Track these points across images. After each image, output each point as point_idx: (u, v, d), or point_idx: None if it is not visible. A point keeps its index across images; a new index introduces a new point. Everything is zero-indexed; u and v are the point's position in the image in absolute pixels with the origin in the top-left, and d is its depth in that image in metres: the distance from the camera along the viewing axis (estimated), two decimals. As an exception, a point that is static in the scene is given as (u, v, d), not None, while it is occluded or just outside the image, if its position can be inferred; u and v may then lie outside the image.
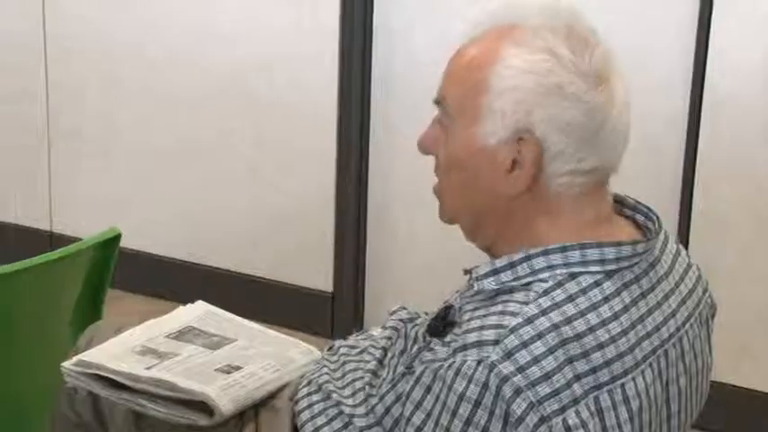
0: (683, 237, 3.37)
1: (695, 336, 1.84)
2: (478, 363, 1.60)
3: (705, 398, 1.91)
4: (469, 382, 1.60)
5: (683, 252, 1.90)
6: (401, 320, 2.00)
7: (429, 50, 3.54)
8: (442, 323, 1.79)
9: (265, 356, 2.16)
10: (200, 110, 3.98)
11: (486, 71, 1.69)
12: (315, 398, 1.97)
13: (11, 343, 2.43)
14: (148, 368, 2.06)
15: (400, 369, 1.85)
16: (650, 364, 1.73)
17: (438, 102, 1.78)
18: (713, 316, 1.94)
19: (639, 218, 1.83)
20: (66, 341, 2.42)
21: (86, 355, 2.10)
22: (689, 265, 1.89)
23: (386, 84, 3.72)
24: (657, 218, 1.81)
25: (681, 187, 3.38)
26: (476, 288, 1.73)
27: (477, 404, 1.60)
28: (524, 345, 1.60)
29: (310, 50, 3.78)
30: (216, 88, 3.94)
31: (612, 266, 1.70)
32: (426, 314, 1.95)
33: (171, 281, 3.89)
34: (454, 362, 1.62)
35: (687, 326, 1.82)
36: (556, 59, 1.66)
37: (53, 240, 3.92)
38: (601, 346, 1.65)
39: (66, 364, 2.08)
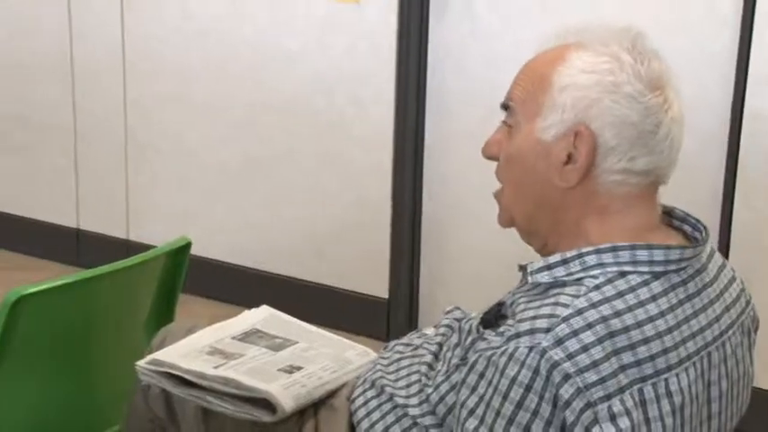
0: (724, 249, 3.33)
1: (737, 343, 1.83)
2: (530, 349, 1.60)
3: (746, 406, 1.89)
4: (521, 366, 1.60)
5: (728, 265, 1.89)
6: (455, 319, 2.00)
7: (480, 70, 3.54)
8: (495, 316, 1.81)
9: (324, 358, 2.17)
10: (265, 126, 3.99)
11: (551, 70, 1.72)
12: (370, 394, 1.98)
13: (91, 342, 2.47)
14: (216, 367, 2.07)
15: (455, 360, 1.85)
16: (693, 364, 1.72)
17: (505, 105, 1.79)
18: (756, 329, 1.92)
19: (687, 228, 1.83)
20: (140, 341, 2.44)
21: (159, 355, 2.12)
22: (733, 278, 1.88)
23: (439, 102, 3.71)
24: (705, 229, 1.81)
25: (721, 201, 3.35)
26: (530, 281, 1.74)
27: (528, 388, 1.60)
28: (574, 333, 1.60)
29: (368, 70, 3.78)
30: (280, 106, 3.95)
31: (660, 268, 1.70)
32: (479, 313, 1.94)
33: (238, 287, 3.90)
34: (507, 348, 1.63)
35: (730, 332, 1.81)
36: (617, 63, 1.68)
37: (129, 248, 3.93)
38: (646, 341, 1.64)
39: (141, 362, 2.10)
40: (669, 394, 1.67)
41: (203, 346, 2.16)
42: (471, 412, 1.67)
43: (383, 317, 3.85)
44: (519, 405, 1.61)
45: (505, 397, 1.62)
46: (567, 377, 1.59)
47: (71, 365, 2.43)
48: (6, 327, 2.23)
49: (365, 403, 1.97)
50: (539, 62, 1.77)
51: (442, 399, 1.83)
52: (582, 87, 1.68)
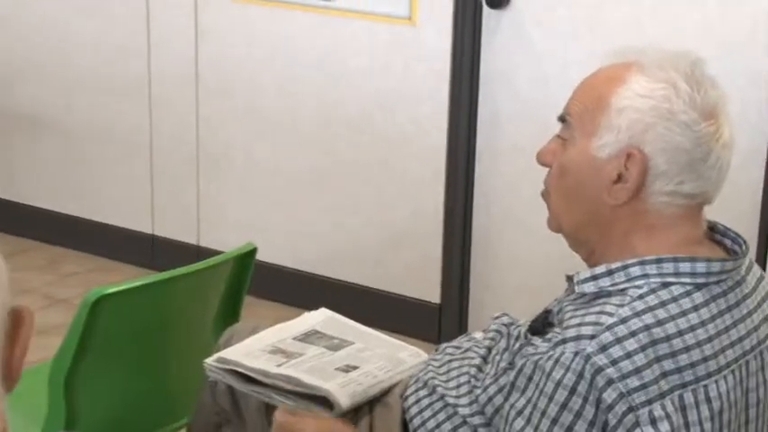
0: (762, 262, 3.30)
1: None
2: (576, 354, 1.62)
3: None
4: (567, 371, 1.62)
5: (766, 278, 1.88)
6: (504, 324, 2.00)
7: (529, 89, 3.54)
8: (542, 324, 1.81)
9: (379, 358, 2.18)
10: (329, 141, 4.01)
11: (610, 92, 1.72)
12: (422, 393, 1.98)
13: (164, 340, 2.50)
14: (278, 366, 2.09)
15: (503, 364, 1.86)
16: (732, 371, 1.72)
17: (562, 118, 1.80)
18: None
19: (727, 242, 1.82)
20: (209, 340, 2.47)
21: (226, 353, 2.13)
22: None
23: (490, 118, 3.71)
24: (744, 242, 1.81)
25: (759, 215, 3.33)
26: (576, 291, 1.75)
27: (573, 391, 1.62)
28: (618, 341, 1.62)
29: (424, 89, 3.79)
30: (343, 122, 3.97)
31: (702, 280, 1.70)
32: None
33: (299, 290, 3.91)
34: (554, 354, 1.65)
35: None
36: (674, 90, 1.68)
37: (200, 253, 3.95)
38: (687, 349, 1.65)
39: (209, 360, 2.12)
40: (708, 400, 1.67)
41: (266, 346, 2.17)
42: (519, 413, 1.69)
43: (435, 321, 3.85)
44: (563, 406, 1.63)
45: (551, 399, 1.64)
46: (610, 382, 1.61)
47: (146, 361, 2.46)
48: (87, 325, 2.27)
49: (417, 401, 1.98)
50: (598, 80, 1.77)
51: (490, 399, 1.84)
52: (638, 111, 1.69)
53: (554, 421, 1.64)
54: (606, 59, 1.80)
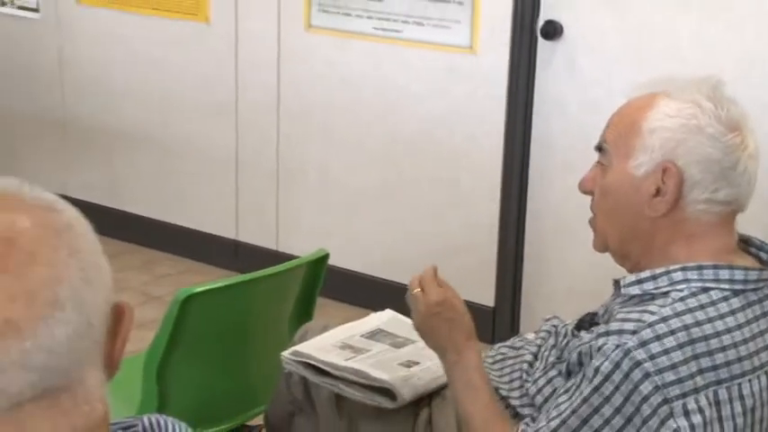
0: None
1: None
2: (617, 346, 1.61)
3: None
4: (606, 359, 1.62)
5: None
6: (553, 325, 2.00)
7: (578, 113, 3.53)
8: (589, 322, 1.83)
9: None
10: (395, 157, 4.01)
11: (641, 116, 1.72)
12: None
13: (245, 335, 2.51)
14: (347, 359, 2.10)
15: (552, 359, 1.87)
16: (765, 372, 1.71)
17: (599, 147, 1.79)
18: None
19: (763, 255, 1.81)
20: (285, 335, 2.48)
21: (300, 347, 2.15)
22: None
23: (543, 139, 3.70)
24: None
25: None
26: (622, 293, 1.74)
27: (607, 378, 1.62)
28: (658, 338, 1.61)
29: (482, 111, 3.78)
30: (408, 140, 3.97)
31: (740, 286, 1.69)
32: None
33: (367, 293, 3.91)
34: (596, 343, 1.65)
35: None
36: (698, 108, 1.68)
37: (278, 257, 3.96)
38: (724, 349, 1.64)
39: (285, 353, 2.14)
40: (741, 397, 1.66)
41: (336, 341, 2.19)
42: (566, 391, 1.70)
43: (489, 323, 3.83)
44: (596, 389, 1.63)
45: (589, 381, 1.65)
46: (647, 375, 1.60)
47: (229, 353, 2.49)
48: (177, 320, 2.30)
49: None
50: (630, 109, 1.77)
51: (539, 390, 1.83)
52: (668, 130, 1.68)
53: (585, 400, 1.64)
54: (633, 92, 1.80)
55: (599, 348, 1.64)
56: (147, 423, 1.07)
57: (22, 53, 4.89)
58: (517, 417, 1.87)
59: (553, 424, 1.67)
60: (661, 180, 1.69)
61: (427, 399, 2.06)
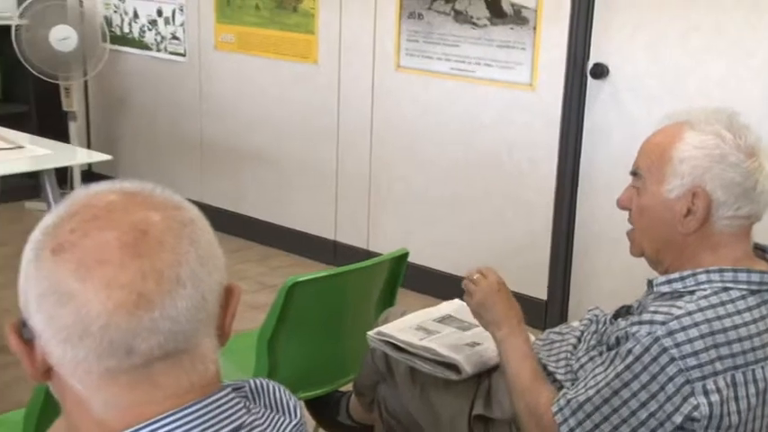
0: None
1: None
2: (648, 334, 1.61)
3: None
4: (637, 343, 1.61)
5: None
6: (595, 315, 1.98)
7: (621, 142, 3.48)
8: (624, 313, 1.81)
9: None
10: (466, 175, 4.00)
11: (671, 147, 1.69)
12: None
13: (340, 317, 2.52)
14: (421, 339, 2.10)
15: (593, 342, 1.86)
16: None
17: (634, 172, 1.77)
18: None
19: None
20: (371, 318, 2.48)
21: (383, 328, 2.16)
22: None
23: (590, 163, 3.66)
24: None
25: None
26: (654, 290, 1.73)
27: (637, 359, 1.61)
28: (683, 329, 1.60)
29: (540, 138, 3.76)
30: (477, 161, 3.95)
31: (756, 287, 1.67)
32: None
33: (440, 285, 3.89)
34: (631, 330, 1.64)
35: None
36: (720, 139, 1.66)
37: (368, 255, 3.99)
38: (740, 340, 1.62)
39: (371, 333, 2.15)
40: (755, 381, 1.64)
41: (413, 324, 2.19)
42: (601, 364, 1.70)
43: (542, 313, 3.80)
44: (627, 367, 1.63)
45: (622, 359, 1.64)
46: (672, 359, 1.59)
47: (326, 331, 2.50)
48: (285, 304, 2.31)
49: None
50: (659, 139, 1.74)
51: (581, 367, 1.83)
52: (696, 159, 1.66)
53: (617, 375, 1.64)
54: (661, 123, 1.77)
55: (633, 334, 1.63)
56: (252, 384, 1.08)
57: (171, 89, 5.00)
58: (562, 388, 1.86)
59: (591, 391, 1.67)
60: (691, 202, 1.67)
61: (486, 373, 2.05)
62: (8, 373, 3.29)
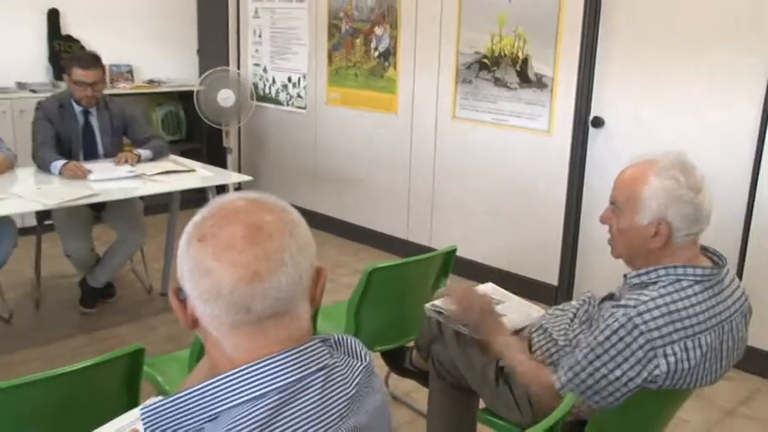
0: (740, 272, 3.10)
1: (739, 320, 1.73)
2: (624, 315, 1.59)
3: (741, 354, 1.77)
4: (615, 321, 1.59)
5: (737, 280, 1.78)
6: (588, 297, 1.95)
7: (612, 165, 3.34)
8: (608, 298, 1.78)
9: (519, 311, 2.14)
10: (502, 193, 3.94)
11: (641, 188, 1.65)
12: (539, 331, 1.95)
13: (406, 293, 2.50)
14: (463, 311, 2.07)
15: (584, 318, 1.84)
16: (714, 329, 1.64)
17: (612, 201, 1.74)
18: (750, 313, 1.80)
19: (715, 257, 1.74)
20: (428, 295, 2.46)
21: (436, 302, 2.13)
22: (738, 285, 1.77)
23: (592, 188, 3.60)
24: (724, 258, 1.73)
25: (740, 243, 3.11)
26: (628, 282, 1.71)
27: (614, 332, 1.60)
28: (648, 310, 1.58)
29: (554, 171, 3.69)
30: (510, 184, 3.89)
31: (699, 278, 1.64)
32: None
33: (479, 273, 3.86)
34: (613, 312, 1.62)
35: (736, 314, 1.71)
36: (676, 182, 1.62)
37: (429, 250, 3.97)
38: (689, 317, 1.59)
39: (427, 305, 2.13)
40: (701, 345, 1.61)
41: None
42: (588, 337, 1.67)
43: (553, 295, 3.74)
44: (607, 338, 1.61)
45: (602, 332, 1.62)
46: (641, 333, 1.57)
47: (395, 303, 2.48)
48: (366, 283, 2.32)
49: (537, 335, 1.95)
50: (630, 178, 1.70)
51: (575, 336, 1.81)
52: (660, 198, 1.63)
53: (600, 344, 1.62)
54: (630, 161, 1.74)
55: (612, 314, 1.61)
56: (336, 337, 1.08)
57: (295, 132, 5.03)
58: (558, 352, 1.84)
59: (579, 356, 1.65)
60: (657, 228, 1.65)
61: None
62: (178, 325, 3.38)
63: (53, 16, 4.70)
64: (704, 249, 1.74)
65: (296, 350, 0.96)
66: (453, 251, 2.53)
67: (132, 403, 1.73)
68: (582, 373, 1.64)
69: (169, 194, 3.49)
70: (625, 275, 1.74)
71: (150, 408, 0.95)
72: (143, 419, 0.96)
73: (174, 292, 0.99)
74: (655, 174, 1.65)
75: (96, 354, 1.74)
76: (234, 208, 0.98)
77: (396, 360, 2.51)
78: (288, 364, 0.95)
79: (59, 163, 3.28)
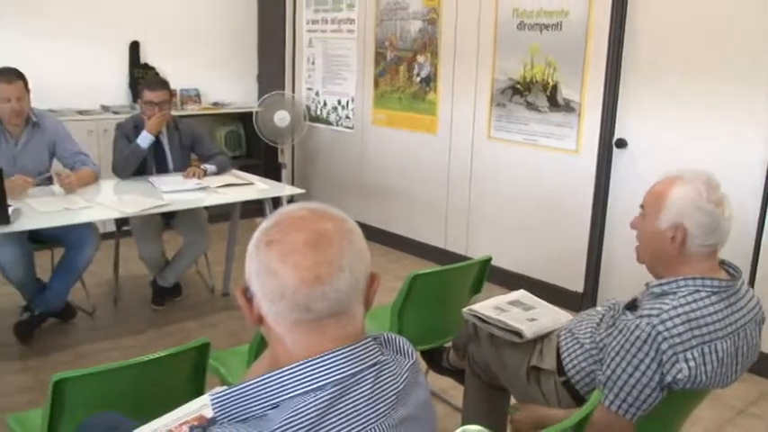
0: (751, 281, 3.04)
1: (753, 328, 1.70)
2: (647, 324, 1.57)
3: (754, 360, 1.73)
4: (640, 331, 1.57)
5: (751, 290, 1.75)
6: (612, 303, 1.92)
7: (635, 189, 3.36)
8: (631, 306, 1.74)
9: (549, 316, 2.11)
10: (533, 207, 3.91)
11: (666, 194, 1.65)
12: (566, 334, 1.92)
13: (446, 297, 2.49)
14: (497, 314, 2.07)
15: (609, 323, 1.80)
16: (730, 337, 1.62)
17: (642, 206, 1.73)
18: (763, 322, 1.76)
19: (731, 270, 1.71)
20: (465, 300, 2.44)
21: (472, 306, 2.13)
22: (753, 295, 1.74)
23: (616, 202, 3.54)
24: (739, 270, 1.71)
25: (752, 256, 3.04)
26: (649, 291, 1.68)
27: (639, 340, 1.57)
28: (670, 318, 1.56)
29: (581, 186, 3.65)
30: (540, 198, 3.86)
31: (716, 290, 1.62)
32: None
33: (511, 280, 3.84)
34: (636, 321, 1.60)
35: (750, 322, 1.68)
36: (698, 193, 1.61)
37: (465, 259, 3.95)
38: (706, 324, 1.57)
39: (464, 309, 2.13)
40: (716, 351, 1.59)
41: (492, 305, 2.15)
42: (612, 348, 1.64)
43: (579, 301, 3.70)
44: (632, 344, 1.58)
45: (627, 340, 1.60)
46: (664, 339, 1.55)
47: (436, 306, 2.47)
48: (410, 287, 2.32)
49: (564, 338, 1.92)
50: (659, 188, 1.69)
51: (601, 340, 1.78)
52: (681, 205, 1.62)
53: (627, 351, 1.59)
54: (662, 176, 1.72)
55: (636, 326, 1.59)
56: (385, 336, 1.09)
57: (343, 149, 5.05)
58: (586, 352, 1.81)
59: (612, 369, 1.63)
60: (674, 232, 1.62)
61: (540, 338, 2.00)
62: (241, 321, 3.42)
63: (134, 48, 4.89)
64: (721, 263, 1.71)
65: (351, 347, 0.98)
66: (489, 260, 2.52)
67: (199, 392, 1.76)
68: (618, 381, 1.61)
69: (230, 205, 3.55)
70: (647, 284, 1.72)
71: (220, 394, 0.97)
72: (213, 404, 0.98)
73: (242, 291, 1.01)
74: (681, 184, 1.64)
75: (165, 346, 1.79)
76: (298, 216, 0.99)
77: (434, 359, 2.50)
78: (344, 360, 0.96)
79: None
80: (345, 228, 0.99)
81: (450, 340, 2.45)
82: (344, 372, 0.95)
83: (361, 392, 0.96)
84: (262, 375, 0.96)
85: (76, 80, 4.66)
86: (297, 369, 0.95)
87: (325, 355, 0.96)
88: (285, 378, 0.95)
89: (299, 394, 0.94)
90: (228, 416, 0.96)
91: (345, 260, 0.96)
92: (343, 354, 0.96)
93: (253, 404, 0.95)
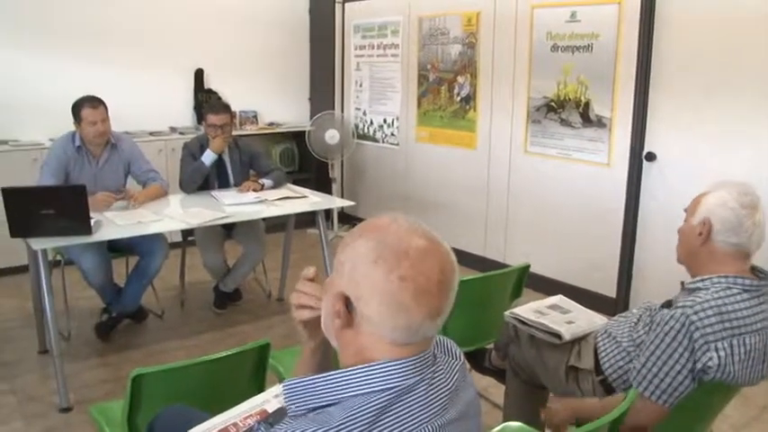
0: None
1: None
2: (681, 314, 1.56)
3: None
4: (676, 322, 1.57)
5: None
6: (649, 305, 1.89)
7: (665, 198, 3.29)
8: (668, 305, 1.72)
9: (585, 319, 2.08)
10: (567, 215, 3.86)
11: (701, 200, 1.66)
12: (604, 335, 1.89)
13: (486, 302, 2.46)
14: (537, 318, 2.05)
15: (647, 321, 1.77)
16: (759, 332, 1.60)
17: (685, 210, 1.72)
18: None
19: (762, 274, 1.68)
20: (506, 304, 2.43)
21: (513, 310, 2.12)
22: None
23: (646, 212, 3.47)
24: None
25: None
26: (685, 288, 1.68)
27: (674, 330, 1.57)
28: (703, 310, 1.56)
29: (614, 197, 3.59)
30: (574, 208, 3.81)
31: (747, 287, 1.61)
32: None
33: (549, 286, 3.79)
34: (672, 313, 1.59)
35: None
36: (729, 195, 1.61)
37: (503, 266, 3.92)
38: (736, 319, 1.57)
39: (506, 312, 2.11)
40: (745, 344, 1.58)
41: (532, 308, 2.14)
42: (651, 340, 1.62)
43: (611, 306, 3.62)
44: (666, 333, 1.58)
45: (663, 330, 1.59)
46: (697, 329, 1.55)
47: (478, 311, 2.45)
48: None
49: (602, 339, 1.89)
50: (699, 195, 1.70)
51: (639, 337, 1.76)
52: (712, 205, 1.63)
53: (662, 340, 1.59)
54: (703, 188, 1.71)
55: (672, 316, 1.58)
56: (438, 339, 1.09)
57: (389, 165, 5.07)
58: (623, 351, 1.77)
59: (643, 359, 1.62)
60: (702, 228, 1.63)
61: (577, 340, 1.97)
62: (292, 324, 3.45)
63: (199, 74, 5.04)
64: (752, 268, 1.70)
65: (417, 358, 0.97)
66: (527, 267, 2.49)
67: (260, 388, 1.78)
68: (653, 368, 1.60)
69: (286, 216, 3.60)
70: (682, 282, 1.72)
71: (292, 383, 0.98)
72: (284, 391, 0.98)
73: (343, 300, 0.95)
74: (717, 189, 1.66)
75: (225, 346, 1.81)
76: (422, 248, 0.94)
77: (477, 360, 2.49)
78: (412, 367, 0.96)
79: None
80: (453, 256, 0.98)
81: (491, 342, 2.43)
82: (411, 378, 0.96)
83: (418, 394, 0.96)
84: (327, 372, 0.96)
85: (148, 104, 4.83)
86: (369, 370, 0.95)
87: (399, 363, 0.95)
88: (352, 377, 0.95)
89: (362, 393, 0.94)
90: (295, 402, 0.97)
91: (454, 293, 0.97)
92: (409, 364, 0.96)
93: (317, 396, 0.96)
